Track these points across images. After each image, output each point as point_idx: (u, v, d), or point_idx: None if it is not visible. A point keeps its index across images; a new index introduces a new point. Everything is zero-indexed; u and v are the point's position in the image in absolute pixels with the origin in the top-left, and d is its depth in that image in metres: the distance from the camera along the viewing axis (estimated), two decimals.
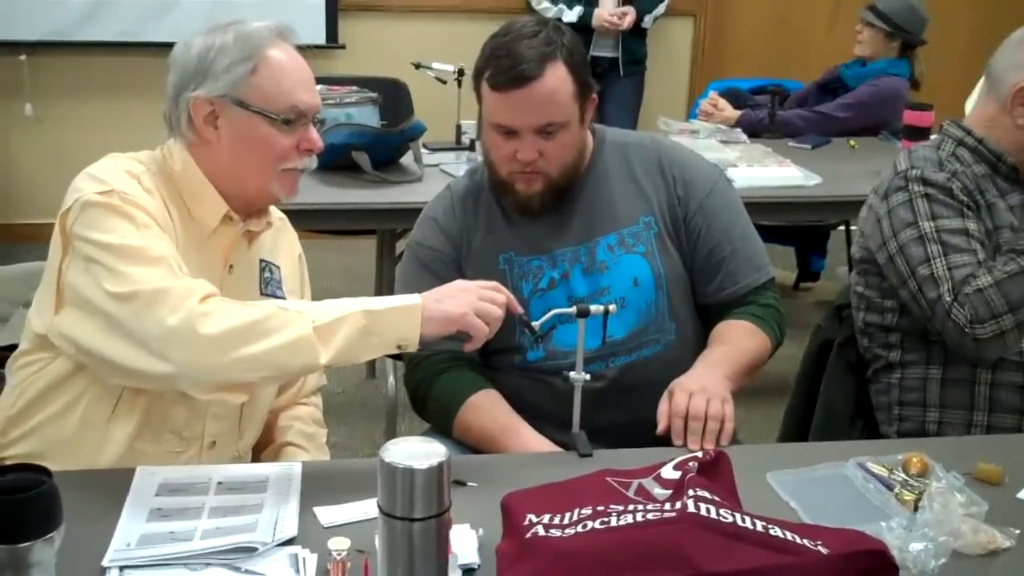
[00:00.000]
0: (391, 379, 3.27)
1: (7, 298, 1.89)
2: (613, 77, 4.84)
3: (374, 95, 3.56)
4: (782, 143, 3.87)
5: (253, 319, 1.50)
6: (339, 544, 1.32)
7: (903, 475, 1.55)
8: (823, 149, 3.90)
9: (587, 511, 1.28)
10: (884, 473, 1.56)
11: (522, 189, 1.87)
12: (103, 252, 1.52)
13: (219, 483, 1.55)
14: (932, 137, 2.15)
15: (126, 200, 1.56)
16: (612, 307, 1.75)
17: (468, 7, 5.07)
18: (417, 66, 3.70)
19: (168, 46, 1.70)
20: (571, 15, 4.67)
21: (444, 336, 1.58)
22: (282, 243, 1.86)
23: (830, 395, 2.22)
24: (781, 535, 1.24)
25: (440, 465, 1.18)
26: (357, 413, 3.63)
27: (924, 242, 1.91)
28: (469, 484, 1.55)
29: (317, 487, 1.54)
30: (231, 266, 1.72)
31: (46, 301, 1.62)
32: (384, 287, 3.62)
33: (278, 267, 1.81)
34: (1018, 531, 1.42)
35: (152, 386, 1.58)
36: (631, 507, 1.27)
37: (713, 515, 1.22)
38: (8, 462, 1.57)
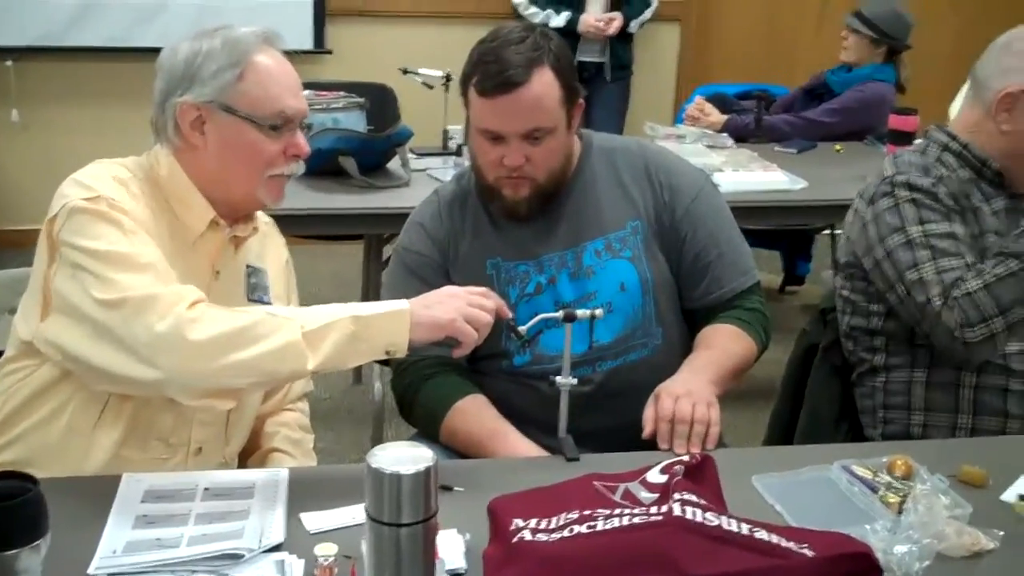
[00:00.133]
0: (377, 384, 3.27)
1: None
2: (600, 82, 4.85)
3: (361, 100, 3.56)
4: (768, 147, 3.89)
5: (242, 325, 1.50)
6: (326, 550, 1.32)
7: (888, 478, 1.56)
8: (809, 153, 3.91)
9: (574, 515, 1.28)
10: (869, 476, 1.57)
11: (509, 194, 1.88)
12: (90, 258, 1.52)
13: (205, 489, 1.54)
14: (917, 142, 2.16)
15: (113, 206, 1.55)
16: (599, 312, 1.75)
17: (455, 12, 5.07)
18: (405, 71, 3.70)
19: (155, 51, 1.70)
20: (558, 20, 4.67)
21: (433, 342, 1.59)
22: (269, 248, 1.86)
23: (815, 398, 2.22)
24: (767, 538, 1.25)
25: (427, 470, 1.18)
26: (344, 419, 3.63)
27: (912, 247, 1.92)
28: (456, 489, 1.55)
29: (304, 493, 1.54)
30: (218, 272, 1.71)
31: (32, 308, 1.62)
32: (371, 292, 3.62)
33: (265, 272, 1.81)
34: (1002, 533, 1.43)
35: (140, 393, 1.58)
36: (617, 511, 1.28)
37: (699, 518, 1.23)
38: None
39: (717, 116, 4.08)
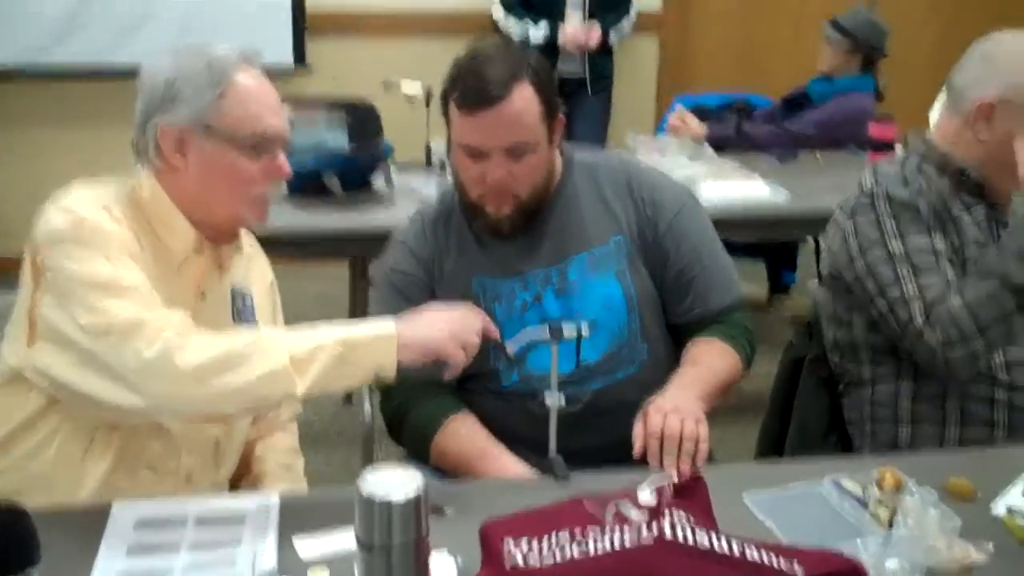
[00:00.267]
0: (367, 406, 3.25)
1: None
2: (581, 95, 4.85)
3: (343, 117, 3.55)
4: (749, 157, 3.90)
5: (230, 350, 1.49)
6: (319, 574, 1.32)
7: (877, 492, 1.56)
8: (791, 163, 3.93)
9: (564, 535, 1.29)
10: (859, 491, 1.57)
11: (492, 211, 1.88)
12: (75, 285, 1.51)
13: (197, 516, 1.54)
14: (897, 150, 2.17)
15: (96, 231, 1.55)
16: (584, 328, 1.75)
17: (436, 27, 5.07)
18: (386, 86, 3.69)
19: (138, 70, 1.68)
20: (537, 33, 4.68)
21: (422, 364, 1.59)
22: (254, 270, 1.85)
23: (803, 411, 2.23)
24: (757, 556, 1.25)
25: (417, 495, 1.18)
26: (334, 441, 3.62)
27: (893, 262, 1.93)
28: (446, 510, 1.55)
29: (295, 517, 1.54)
30: (203, 294, 1.71)
31: (18, 334, 1.61)
32: (358, 312, 3.61)
33: (250, 295, 1.81)
34: (992, 545, 1.43)
35: (129, 420, 1.57)
36: (608, 531, 1.28)
37: (689, 538, 1.24)
38: None
39: (698, 126, 4.09)
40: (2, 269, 1.65)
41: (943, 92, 2.07)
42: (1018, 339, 1.95)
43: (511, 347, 1.74)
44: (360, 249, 3.46)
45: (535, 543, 1.29)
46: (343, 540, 1.45)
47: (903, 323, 1.92)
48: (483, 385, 1.94)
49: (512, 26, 4.73)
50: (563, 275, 1.92)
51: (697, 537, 1.24)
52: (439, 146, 3.51)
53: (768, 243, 4.56)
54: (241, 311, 1.77)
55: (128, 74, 1.69)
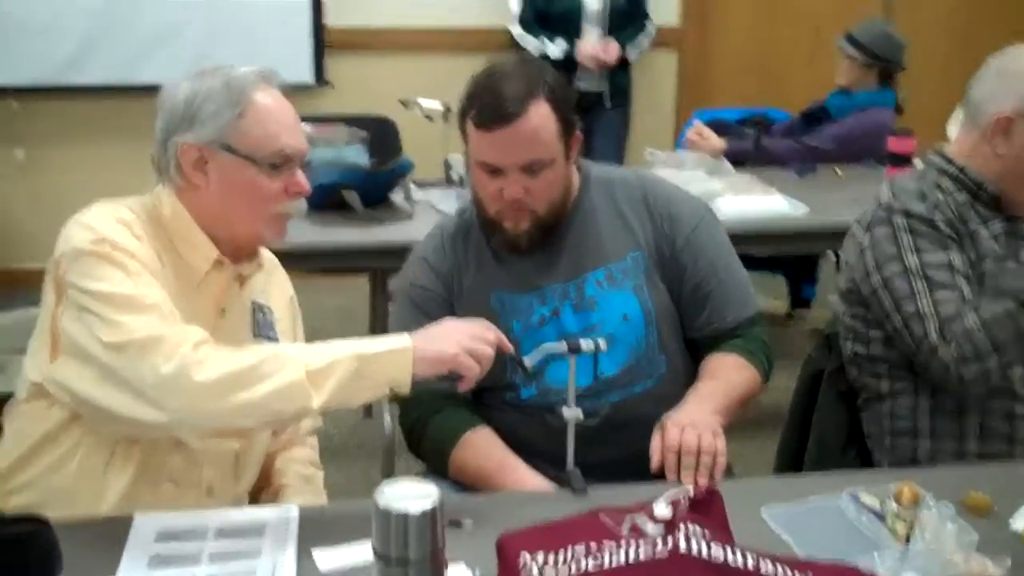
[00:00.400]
0: (388, 419, 3.26)
1: (3, 345, 1.89)
2: (599, 110, 4.87)
3: (363, 133, 3.58)
4: (768, 172, 3.90)
5: (247, 365, 1.51)
6: None
7: (895, 506, 1.56)
8: (809, 177, 3.92)
9: (580, 548, 1.29)
10: (876, 504, 1.57)
11: (510, 227, 1.89)
12: (96, 301, 1.53)
13: (217, 528, 1.55)
14: (916, 164, 2.17)
15: (117, 248, 1.57)
16: (602, 343, 1.76)
17: (454, 44, 5.11)
18: (404, 103, 3.72)
19: (158, 88, 1.70)
20: (555, 50, 4.71)
21: (436, 376, 1.60)
22: (274, 285, 1.87)
23: (822, 425, 2.23)
24: (772, 570, 1.26)
25: (433, 508, 1.20)
26: (355, 454, 3.63)
27: (909, 277, 1.93)
28: (465, 523, 1.56)
29: (315, 530, 1.55)
30: (223, 310, 1.73)
31: (41, 349, 1.63)
32: (378, 326, 3.63)
33: (270, 309, 1.83)
34: (1009, 560, 1.43)
35: (148, 434, 1.59)
36: (623, 544, 1.29)
37: (704, 551, 1.24)
38: (7, 513, 1.58)
39: (716, 141, 4.09)
40: (25, 282, 1.67)
41: (960, 106, 2.07)
42: None
43: (528, 361, 1.75)
44: (380, 264, 3.49)
45: (551, 556, 1.30)
46: (361, 552, 1.46)
47: (917, 338, 1.92)
48: (501, 398, 1.95)
49: (529, 43, 4.75)
50: (580, 290, 1.93)
51: (712, 551, 1.25)
52: (457, 161, 3.53)
53: (789, 257, 4.55)
54: (261, 326, 1.79)
55: (150, 92, 1.71)
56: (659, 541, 1.29)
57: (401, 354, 1.57)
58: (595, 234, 1.96)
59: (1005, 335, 1.87)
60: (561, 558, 1.29)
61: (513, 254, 1.94)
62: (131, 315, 1.52)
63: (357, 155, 3.50)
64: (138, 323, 1.51)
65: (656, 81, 5.46)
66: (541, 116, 1.81)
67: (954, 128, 2.06)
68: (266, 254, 1.86)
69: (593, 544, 1.30)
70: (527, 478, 1.81)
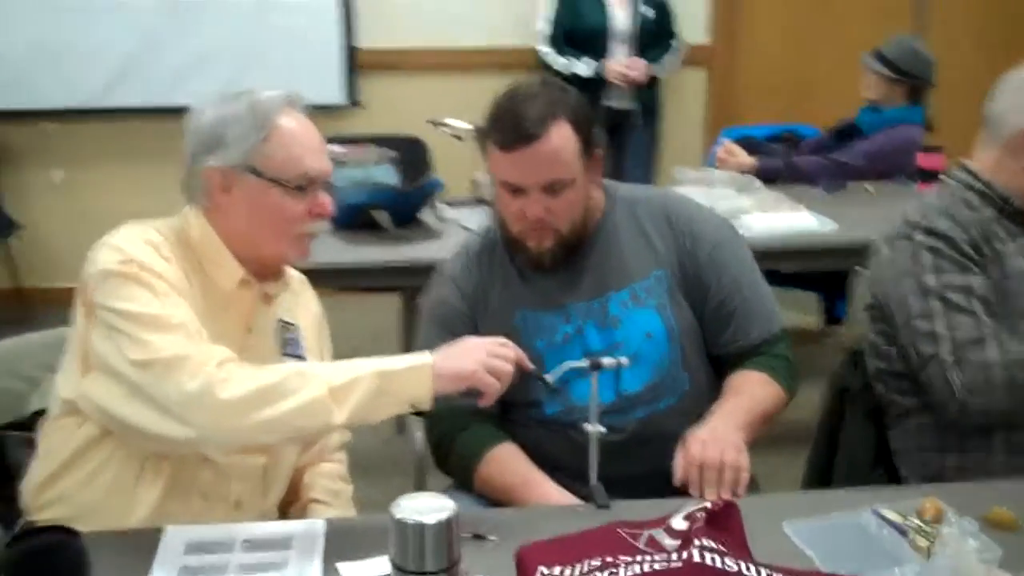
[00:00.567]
0: (419, 434, 3.28)
1: (38, 363, 1.94)
2: (629, 128, 4.89)
3: (392, 153, 3.61)
4: (797, 189, 3.89)
5: (270, 383, 1.54)
6: None
7: (918, 521, 1.56)
8: (839, 194, 3.91)
9: (596, 562, 1.31)
10: (899, 520, 1.57)
11: (533, 245, 1.91)
12: (124, 320, 1.57)
13: (245, 541, 1.58)
14: (942, 180, 2.16)
15: (144, 268, 1.61)
16: (624, 360, 1.78)
17: (483, 64, 5.14)
18: (433, 124, 3.75)
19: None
20: (583, 67, 4.73)
21: (457, 393, 1.62)
22: (300, 304, 1.90)
23: (850, 442, 2.22)
24: None
25: (449, 520, 1.21)
26: (388, 469, 3.63)
27: (925, 296, 1.92)
28: (489, 538, 1.58)
29: (342, 543, 1.57)
30: (251, 328, 1.76)
31: (72, 367, 1.67)
32: (410, 344, 3.64)
33: (297, 327, 1.85)
34: None
35: (175, 450, 1.62)
36: (639, 558, 1.30)
37: (718, 564, 1.25)
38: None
39: (745, 158, 4.10)
40: (60, 301, 1.71)
41: None
42: None
43: (550, 377, 1.76)
44: (409, 282, 3.51)
45: (567, 570, 1.32)
46: (385, 565, 1.48)
47: (925, 356, 1.91)
48: (527, 414, 1.97)
49: (557, 62, 4.78)
50: (604, 309, 1.95)
51: (726, 563, 1.26)
52: (486, 180, 3.55)
53: (822, 274, 4.53)
54: (288, 344, 1.82)
55: (182, 114, 1.76)
56: (674, 554, 1.30)
57: (421, 371, 1.59)
58: (618, 253, 1.97)
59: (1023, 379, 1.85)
60: (578, 571, 1.31)
61: (537, 272, 1.96)
62: (158, 334, 1.55)
63: (387, 175, 3.54)
64: (164, 342, 1.55)
65: (685, 99, 5.47)
66: (562, 136, 1.83)
67: None
68: (293, 273, 1.89)
69: (609, 557, 1.31)
70: (551, 493, 1.82)
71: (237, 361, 1.57)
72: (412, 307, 3.63)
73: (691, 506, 1.40)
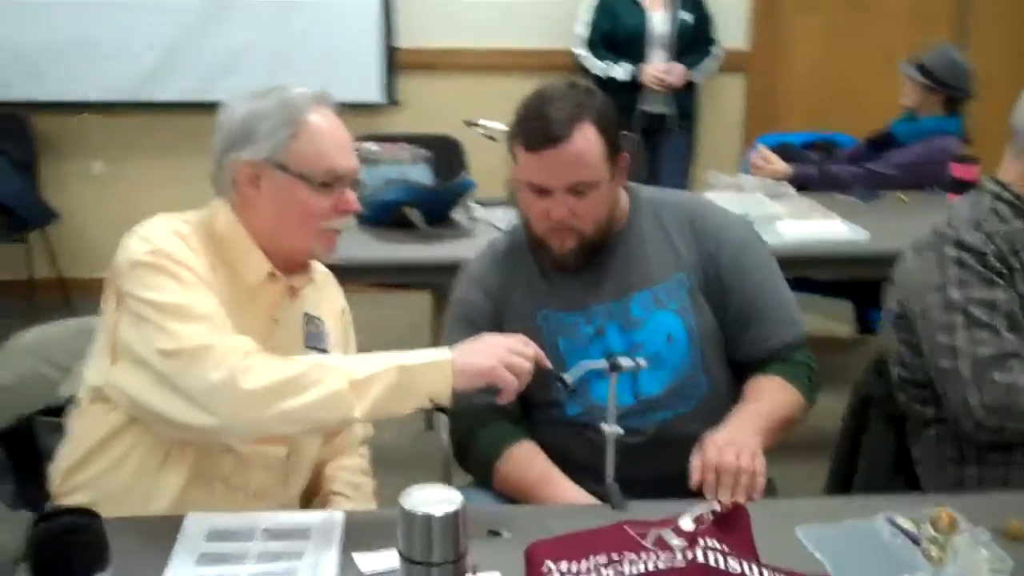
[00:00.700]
0: (445, 431, 3.30)
1: (70, 350, 1.98)
2: (665, 132, 4.89)
3: (426, 152, 3.65)
4: (831, 197, 3.88)
5: (292, 374, 1.56)
6: None
7: (931, 530, 1.56)
8: (873, 203, 3.88)
9: (602, 559, 1.32)
10: (912, 528, 1.57)
11: (556, 246, 1.93)
12: (151, 309, 1.60)
13: (264, 530, 1.61)
14: (973, 191, 2.14)
15: (172, 259, 1.64)
16: (643, 362, 1.78)
17: (521, 65, 5.15)
18: (468, 124, 3.77)
19: None
20: (619, 71, 4.74)
21: (475, 389, 1.64)
22: (325, 298, 1.93)
23: (872, 450, 2.22)
24: None
25: (456, 512, 1.24)
26: (416, 464, 3.65)
27: (949, 309, 1.92)
28: (504, 534, 1.60)
29: (360, 535, 1.59)
30: (276, 321, 1.79)
31: (101, 355, 1.70)
32: (440, 341, 3.67)
33: (322, 321, 1.88)
34: None
35: (199, 439, 1.65)
36: (644, 556, 1.31)
37: (722, 564, 1.26)
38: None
39: (780, 165, 4.08)
40: (100, 291, 1.75)
41: None
42: None
43: (569, 377, 1.78)
44: (439, 279, 3.53)
45: (574, 565, 1.33)
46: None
47: (943, 371, 1.91)
48: (548, 414, 1.98)
49: (595, 65, 4.79)
50: (626, 310, 1.96)
51: (729, 564, 1.27)
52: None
53: (855, 283, 4.50)
54: (312, 337, 1.84)
55: (218, 109, 1.80)
56: (679, 553, 1.31)
57: (441, 367, 1.61)
58: (641, 255, 1.98)
59: None
60: (583, 567, 1.32)
61: (560, 273, 1.98)
62: (183, 323, 1.58)
63: (421, 173, 3.57)
64: (190, 331, 1.58)
65: (724, 104, 5.46)
66: (587, 139, 1.85)
67: None
68: (319, 267, 1.92)
69: (615, 555, 1.33)
70: (568, 492, 1.84)
71: (261, 352, 1.60)
72: (442, 305, 3.64)
73: (700, 507, 1.41)
